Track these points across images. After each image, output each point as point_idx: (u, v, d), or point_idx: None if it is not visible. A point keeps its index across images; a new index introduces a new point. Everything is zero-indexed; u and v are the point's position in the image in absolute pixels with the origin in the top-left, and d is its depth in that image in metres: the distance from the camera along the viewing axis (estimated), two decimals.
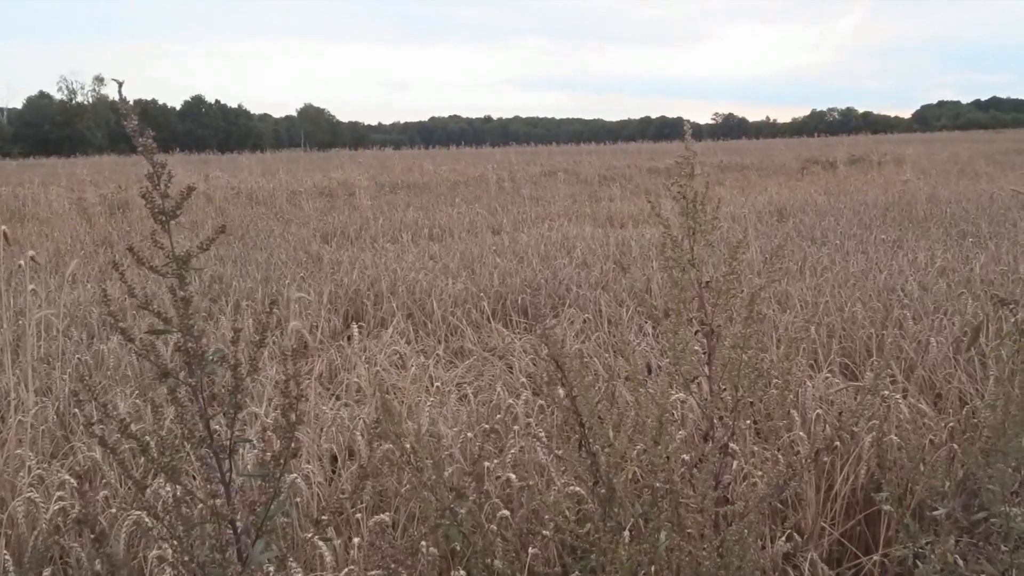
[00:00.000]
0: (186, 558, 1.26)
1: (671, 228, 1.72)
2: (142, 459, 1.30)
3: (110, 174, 19.10)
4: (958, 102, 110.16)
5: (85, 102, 71.90)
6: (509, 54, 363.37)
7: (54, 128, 65.84)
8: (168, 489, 1.89)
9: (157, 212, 1.29)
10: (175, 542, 1.23)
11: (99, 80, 71.66)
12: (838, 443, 2.42)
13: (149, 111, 73.23)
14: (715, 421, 1.73)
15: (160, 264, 1.28)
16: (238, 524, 1.28)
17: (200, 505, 1.29)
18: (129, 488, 2.58)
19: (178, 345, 1.27)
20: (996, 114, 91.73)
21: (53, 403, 3.38)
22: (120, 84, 1.25)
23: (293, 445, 1.30)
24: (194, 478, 2.12)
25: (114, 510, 2.27)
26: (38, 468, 2.59)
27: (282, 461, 1.27)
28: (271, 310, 1.33)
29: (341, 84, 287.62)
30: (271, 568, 1.32)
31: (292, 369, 1.26)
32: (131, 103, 1.27)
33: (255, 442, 2.27)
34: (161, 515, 1.27)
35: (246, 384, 1.30)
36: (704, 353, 1.78)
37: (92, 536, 1.29)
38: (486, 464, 2.32)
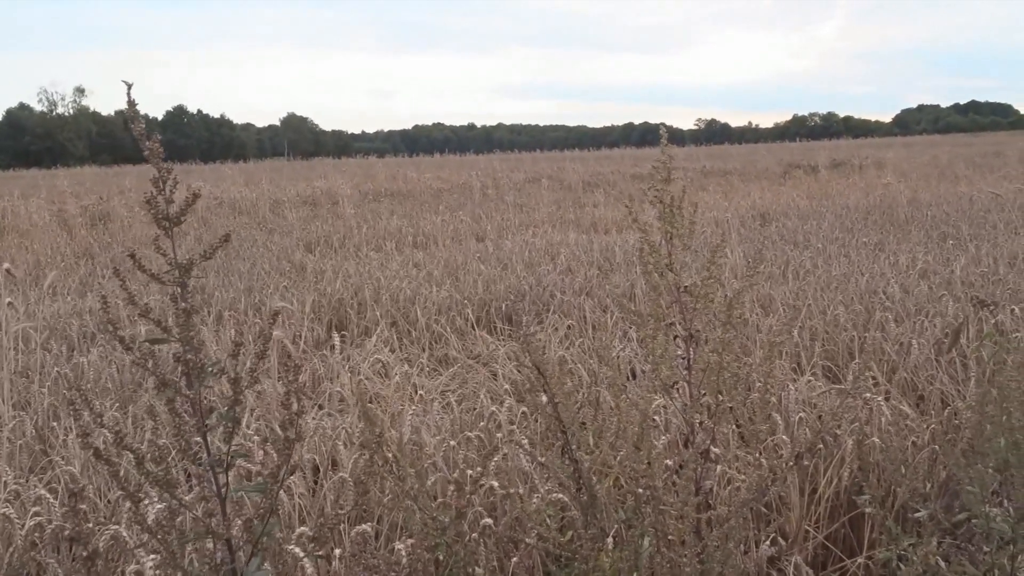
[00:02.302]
0: (179, 574, 1.23)
1: (649, 233, 1.72)
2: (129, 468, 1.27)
3: (91, 185, 18.96)
4: (938, 106, 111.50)
5: (66, 113, 71.40)
6: (492, 62, 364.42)
7: (35, 140, 65.38)
8: (150, 502, 1.86)
9: (161, 217, 1.27)
10: (167, 557, 1.21)
11: (80, 91, 71.25)
12: (821, 446, 2.42)
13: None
14: (695, 426, 1.73)
15: (161, 272, 1.26)
16: (233, 541, 1.26)
17: (191, 518, 1.27)
18: (109, 503, 2.54)
19: (177, 356, 1.25)
20: (975, 117, 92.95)
21: (31, 417, 3.34)
22: (129, 86, 1.24)
23: (292, 461, 1.27)
24: (187, 483, 2.09)
25: (91, 524, 2.24)
26: (15, 483, 2.55)
27: (280, 477, 1.25)
28: (273, 321, 1.31)
29: (325, 93, 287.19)
30: None
31: (293, 383, 1.23)
32: (138, 106, 1.26)
33: (251, 455, 2.25)
34: (154, 528, 1.25)
35: (244, 398, 1.28)
36: (684, 358, 1.77)
37: (85, 554, 1.26)
38: (468, 472, 2.30)
